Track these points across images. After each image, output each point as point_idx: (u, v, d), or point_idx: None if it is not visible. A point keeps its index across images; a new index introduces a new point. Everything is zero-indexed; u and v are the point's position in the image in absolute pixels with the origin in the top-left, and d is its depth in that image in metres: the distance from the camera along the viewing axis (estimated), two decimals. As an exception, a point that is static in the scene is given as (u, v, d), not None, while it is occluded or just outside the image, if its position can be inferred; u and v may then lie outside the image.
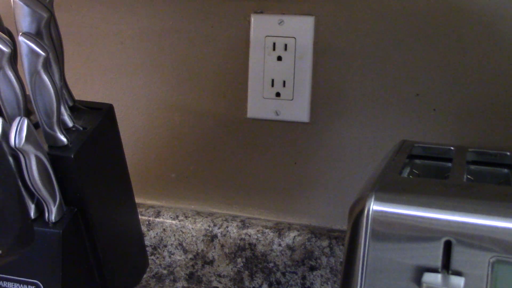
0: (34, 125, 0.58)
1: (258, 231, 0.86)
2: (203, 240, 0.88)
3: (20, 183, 0.34)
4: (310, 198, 0.87)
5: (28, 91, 0.60)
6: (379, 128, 0.82)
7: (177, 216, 0.90)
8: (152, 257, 0.91)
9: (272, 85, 0.85)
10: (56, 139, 0.61)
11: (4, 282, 0.60)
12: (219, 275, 0.88)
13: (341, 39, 0.82)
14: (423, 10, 0.78)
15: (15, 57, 0.61)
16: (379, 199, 0.48)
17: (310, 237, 0.84)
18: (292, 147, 0.87)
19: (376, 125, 0.82)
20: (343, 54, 0.82)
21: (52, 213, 0.61)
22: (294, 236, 0.84)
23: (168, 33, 0.89)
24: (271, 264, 0.85)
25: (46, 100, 0.59)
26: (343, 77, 0.83)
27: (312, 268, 0.84)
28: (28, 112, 0.61)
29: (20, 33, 0.58)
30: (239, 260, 0.87)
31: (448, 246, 0.46)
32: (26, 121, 0.55)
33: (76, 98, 0.68)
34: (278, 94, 0.85)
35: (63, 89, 0.65)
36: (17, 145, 0.55)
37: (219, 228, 0.88)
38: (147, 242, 0.91)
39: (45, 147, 0.61)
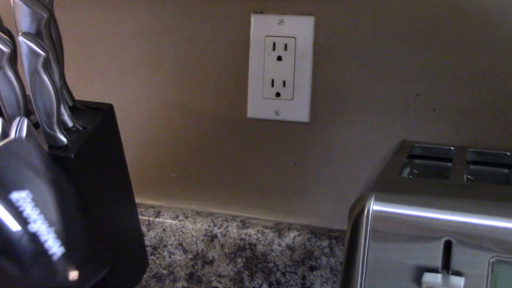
0: (34, 125, 0.58)
1: (258, 231, 0.86)
2: (203, 240, 0.88)
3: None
4: (310, 198, 0.87)
5: (28, 91, 0.60)
6: (379, 128, 0.82)
7: (177, 216, 0.90)
8: (152, 257, 0.91)
9: (272, 85, 0.85)
10: (56, 139, 0.61)
11: None
12: (219, 275, 0.88)
13: (341, 39, 0.82)
14: (423, 10, 0.78)
15: (15, 57, 0.61)
16: (379, 199, 0.48)
17: (310, 237, 0.84)
18: (292, 147, 0.87)
19: (376, 125, 0.82)
20: (343, 54, 0.82)
21: None
22: (294, 236, 0.84)
23: (168, 33, 0.89)
24: (271, 264, 0.85)
25: (46, 100, 0.59)
26: (343, 77, 0.83)
27: (312, 268, 0.84)
28: (28, 112, 0.61)
29: (20, 33, 0.58)
30: (239, 260, 0.87)
31: (448, 246, 0.46)
32: (26, 121, 0.55)
33: (76, 98, 0.68)
34: (278, 94, 0.85)
35: (63, 89, 0.65)
36: (17, 145, 0.55)
37: (219, 228, 0.88)
38: (147, 242, 0.91)
39: (45, 147, 0.61)
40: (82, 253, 0.30)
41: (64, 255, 0.28)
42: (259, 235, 0.86)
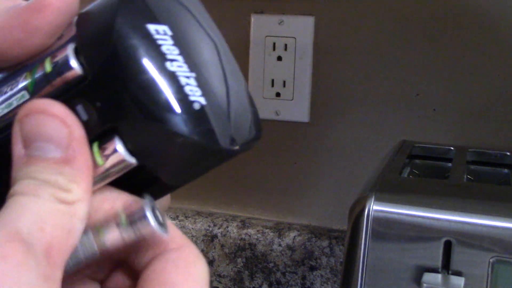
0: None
1: (258, 231, 0.86)
2: (203, 240, 0.88)
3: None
4: (310, 198, 0.87)
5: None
6: (379, 128, 0.82)
7: (177, 216, 0.90)
8: (152, 257, 0.91)
9: (272, 85, 0.85)
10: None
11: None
12: (219, 275, 0.88)
13: (341, 39, 0.82)
14: (423, 10, 0.78)
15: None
16: (379, 199, 0.48)
17: (310, 237, 0.84)
18: (292, 147, 0.87)
19: (376, 125, 0.82)
20: (343, 54, 0.82)
21: None
22: (294, 236, 0.84)
23: (168, 33, 0.89)
24: (271, 264, 0.85)
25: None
26: (343, 77, 0.83)
27: (312, 268, 0.84)
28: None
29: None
30: (239, 260, 0.87)
31: (448, 246, 0.46)
32: None
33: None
34: (278, 94, 0.85)
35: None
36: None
37: (219, 228, 0.88)
38: (147, 242, 0.91)
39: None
40: (226, 113, 0.25)
41: (205, 107, 0.24)
42: (259, 235, 0.86)
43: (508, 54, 0.76)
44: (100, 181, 0.24)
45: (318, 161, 0.86)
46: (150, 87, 0.23)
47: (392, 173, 0.55)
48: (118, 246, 0.24)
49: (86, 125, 0.24)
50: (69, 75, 0.24)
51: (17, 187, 0.22)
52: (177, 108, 0.23)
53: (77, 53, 0.24)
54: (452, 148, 0.65)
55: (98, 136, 0.24)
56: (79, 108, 0.24)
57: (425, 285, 0.45)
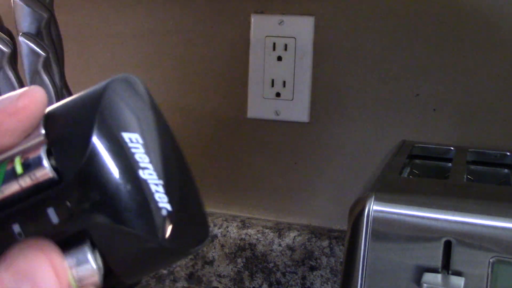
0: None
1: (258, 231, 0.86)
2: (203, 240, 0.88)
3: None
4: (310, 198, 0.87)
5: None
6: (379, 128, 0.82)
7: (177, 216, 0.90)
8: (152, 257, 0.91)
9: (272, 85, 0.85)
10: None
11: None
12: (219, 275, 0.88)
13: (341, 39, 0.82)
14: (423, 10, 0.78)
15: (15, 57, 0.61)
16: (379, 199, 0.48)
17: (310, 237, 0.84)
18: (292, 147, 0.87)
19: (376, 125, 0.82)
20: (343, 54, 0.82)
21: None
22: (294, 236, 0.84)
23: (168, 33, 0.89)
24: (271, 264, 0.85)
25: (46, 100, 0.59)
26: (343, 77, 0.83)
27: (312, 268, 0.84)
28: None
29: (20, 33, 0.58)
30: (239, 260, 0.87)
31: (448, 246, 0.46)
32: None
33: (76, 98, 0.68)
34: (278, 94, 0.85)
35: (63, 89, 0.65)
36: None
37: (219, 228, 0.88)
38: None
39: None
40: (186, 217, 0.27)
41: (170, 214, 0.25)
42: (259, 235, 0.86)
43: (508, 54, 0.76)
44: None
45: (318, 161, 0.86)
46: (124, 194, 0.24)
47: (392, 173, 0.55)
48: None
49: (57, 228, 0.24)
50: (41, 177, 0.24)
51: None
52: (148, 215, 0.25)
53: (49, 154, 0.25)
54: (452, 148, 0.65)
55: (67, 239, 0.24)
56: (50, 211, 0.24)
57: (425, 285, 0.45)
